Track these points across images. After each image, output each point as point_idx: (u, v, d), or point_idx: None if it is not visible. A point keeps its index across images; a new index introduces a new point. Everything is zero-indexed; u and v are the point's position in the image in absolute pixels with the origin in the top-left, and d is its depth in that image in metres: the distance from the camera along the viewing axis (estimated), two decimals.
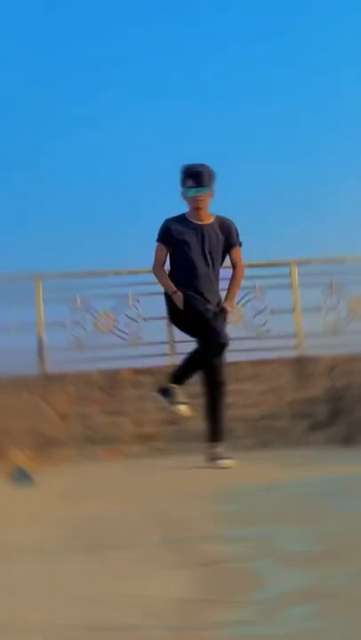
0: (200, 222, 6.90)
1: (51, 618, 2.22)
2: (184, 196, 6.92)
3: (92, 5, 16.71)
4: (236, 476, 5.99)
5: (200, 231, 6.87)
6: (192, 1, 16.96)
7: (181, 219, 6.94)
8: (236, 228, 7.03)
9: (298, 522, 3.63)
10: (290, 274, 8.95)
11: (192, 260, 6.83)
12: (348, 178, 16.45)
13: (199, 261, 6.85)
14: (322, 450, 7.77)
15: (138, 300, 8.70)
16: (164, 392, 6.94)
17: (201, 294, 6.82)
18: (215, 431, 6.84)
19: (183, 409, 6.91)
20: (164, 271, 6.96)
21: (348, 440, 8.29)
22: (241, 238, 7.07)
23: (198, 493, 5.12)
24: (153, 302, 8.32)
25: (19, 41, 16.30)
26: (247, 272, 8.79)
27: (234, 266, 7.09)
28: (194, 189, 6.83)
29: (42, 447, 8.11)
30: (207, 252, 6.87)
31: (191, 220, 6.91)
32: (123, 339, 8.66)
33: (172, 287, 6.80)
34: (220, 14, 17.02)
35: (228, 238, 6.96)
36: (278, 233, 14.77)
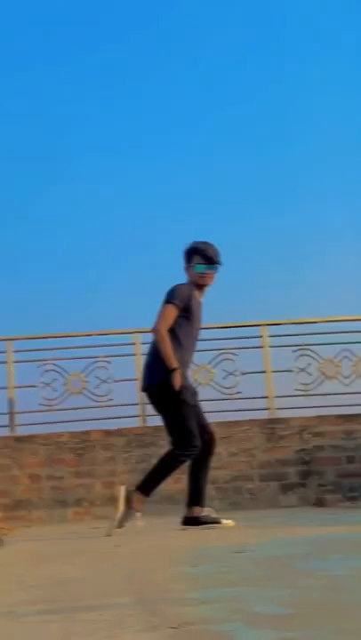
0: (200, 300, 6.79)
1: None
2: (194, 272, 6.71)
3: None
4: (207, 539, 5.98)
5: (200, 310, 6.77)
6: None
7: (193, 290, 6.76)
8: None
9: (268, 583, 3.63)
10: (260, 335, 9.02)
11: (194, 337, 6.74)
12: (322, 240, 16.63)
13: (194, 340, 6.77)
14: (293, 512, 7.78)
15: (108, 362, 8.73)
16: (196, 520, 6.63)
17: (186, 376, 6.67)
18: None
19: (227, 522, 6.59)
20: (169, 337, 6.56)
21: (319, 502, 8.31)
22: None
23: (169, 556, 5.10)
24: (123, 363, 8.38)
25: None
26: (217, 333, 8.92)
27: None
28: (204, 267, 6.68)
29: (12, 509, 8.07)
30: (197, 332, 6.81)
31: (196, 295, 6.76)
32: (93, 400, 8.67)
33: (174, 362, 6.43)
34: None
35: None
36: (248, 297, 14.86)
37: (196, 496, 6.63)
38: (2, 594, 3.77)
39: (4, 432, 8.53)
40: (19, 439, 8.42)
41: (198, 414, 6.65)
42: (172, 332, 6.53)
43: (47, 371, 8.67)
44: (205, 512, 6.61)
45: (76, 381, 8.68)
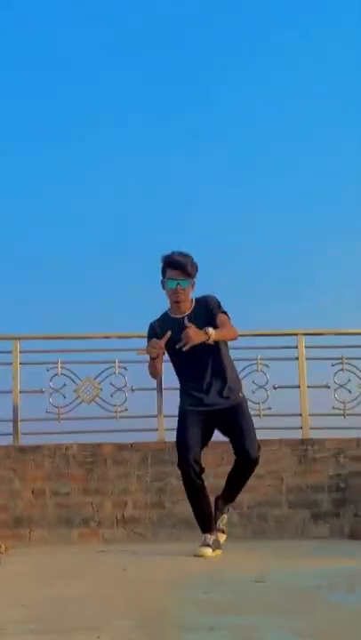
0: (180, 315, 6.95)
1: None
2: (165, 287, 7.03)
3: None
4: (224, 566, 6.01)
5: (181, 325, 6.82)
6: None
7: (162, 318, 7.12)
8: (215, 300, 7.01)
9: (285, 613, 3.67)
10: (297, 345, 9.02)
11: (183, 359, 6.92)
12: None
13: (188, 359, 6.87)
14: (323, 543, 7.78)
15: (125, 368, 8.76)
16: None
17: (201, 390, 6.94)
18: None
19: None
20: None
21: (353, 534, 8.30)
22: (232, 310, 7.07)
23: (181, 581, 5.14)
24: (142, 371, 8.40)
25: None
26: (249, 341, 8.93)
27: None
28: (175, 281, 6.92)
29: (11, 526, 8.13)
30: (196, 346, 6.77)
31: (171, 316, 7.04)
32: (106, 410, 8.71)
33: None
34: None
35: (208, 314, 6.93)
36: (283, 305, 14.88)
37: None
38: None
39: (7, 441, 8.57)
40: (22, 449, 8.46)
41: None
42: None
43: (56, 375, 8.71)
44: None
45: (88, 388, 8.72)
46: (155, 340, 6.84)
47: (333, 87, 17.01)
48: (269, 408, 8.85)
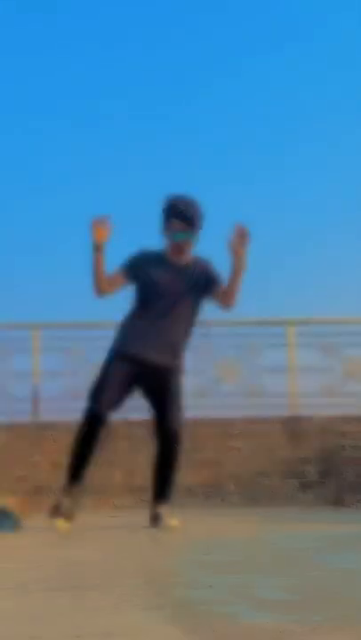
0: (178, 264, 6.14)
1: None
2: (168, 235, 6.14)
3: None
4: (223, 530, 6.02)
5: (176, 273, 6.09)
6: None
7: (158, 254, 6.20)
8: (216, 271, 6.16)
9: (277, 572, 3.66)
10: (286, 333, 9.02)
11: (160, 299, 6.04)
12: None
13: (164, 303, 6.04)
14: (310, 509, 7.79)
15: None
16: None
17: (157, 337, 6.02)
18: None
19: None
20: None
21: (337, 501, 8.31)
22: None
23: (183, 544, 5.15)
24: None
25: None
26: (242, 330, 8.94)
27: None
28: (182, 234, 6.06)
29: (32, 495, 8.13)
30: (180, 297, 6.07)
31: (169, 259, 6.16)
32: None
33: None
34: None
35: (207, 278, 6.12)
36: (274, 292, 14.84)
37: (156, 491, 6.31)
38: (14, 572, 3.83)
39: (27, 418, 8.58)
40: (40, 426, 8.48)
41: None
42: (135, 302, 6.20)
43: (72, 359, 8.71)
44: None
45: None
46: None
47: None
48: (262, 389, 8.86)
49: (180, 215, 6.00)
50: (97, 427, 5.97)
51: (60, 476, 8.25)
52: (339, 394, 9.01)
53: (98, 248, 5.93)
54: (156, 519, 6.10)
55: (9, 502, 6.36)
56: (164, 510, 6.11)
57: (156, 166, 17.19)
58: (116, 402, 6.02)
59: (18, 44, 17.59)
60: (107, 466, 8.30)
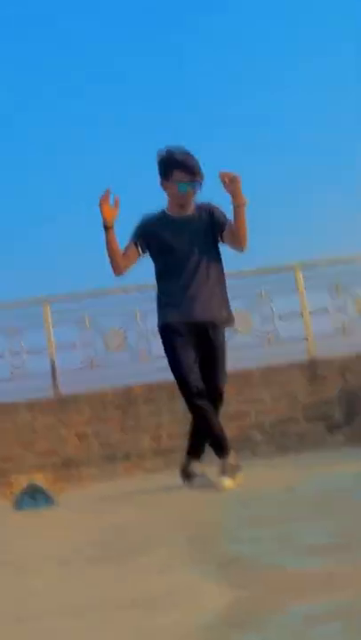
0: (184, 216, 5.97)
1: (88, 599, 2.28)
2: (170, 188, 5.93)
3: None
4: (257, 481, 6.03)
5: (185, 226, 5.95)
6: None
7: (161, 215, 6.07)
8: (221, 211, 5.95)
9: (318, 518, 3.68)
10: (295, 278, 8.98)
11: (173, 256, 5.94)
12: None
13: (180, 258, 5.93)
14: (340, 451, 7.81)
15: (146, 316, 8.74)
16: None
17: (191, 304, 5.90)
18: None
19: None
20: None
21: None
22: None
23: (220, 499, 5.17)
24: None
25: None
26: (251, 279, 8.90)
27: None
28: (187, 184, 5.86)
29: (61, 468, 8.17)
30: (194, 248, 5.93)
31: (172, 215, 6.02)
32: (134, 355, 8.72)
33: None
34: None
35: (213, 222, 5.95)
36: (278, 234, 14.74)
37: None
38: (57, 544, 3.85)
39: (49, 393, 8.59)
40: (63, 399, 8.49)
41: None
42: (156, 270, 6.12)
43: (85, 329, 8.70)
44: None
45: (114, 338, 8.70)
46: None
47: None
48: (278, 336, 8.84)
49: (182, 165, 5.83)
50: (202, 404, 5.89)
51: (87, 448, 8.32)
52: (354, 333, 8.98)
53: (108, 227, 5.84)
54: (191, 476, 6.06)
55: (38, 478, 6.38)
56: (223, 466, 5.90)
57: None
58: (197, 372, 5.93)
59: None
60: (132, 431, 8.33)
